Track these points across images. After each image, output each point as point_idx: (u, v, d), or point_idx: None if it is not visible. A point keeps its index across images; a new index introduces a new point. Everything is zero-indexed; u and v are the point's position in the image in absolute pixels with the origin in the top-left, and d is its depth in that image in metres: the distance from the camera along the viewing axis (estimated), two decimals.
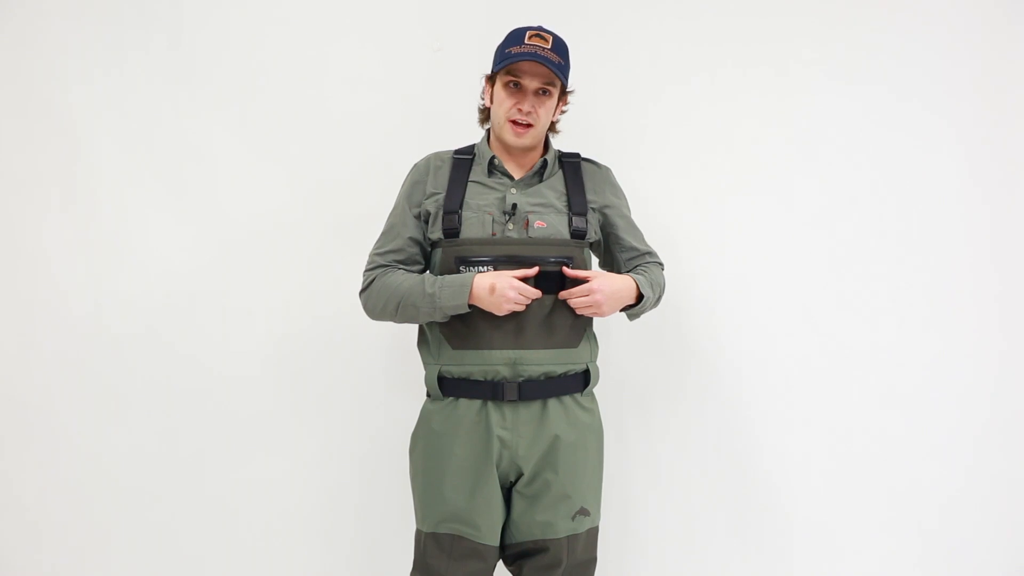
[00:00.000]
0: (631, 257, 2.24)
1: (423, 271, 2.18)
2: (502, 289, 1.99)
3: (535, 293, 2.03)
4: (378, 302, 2.13)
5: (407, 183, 2.21)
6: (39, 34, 2.76)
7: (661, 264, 2.29)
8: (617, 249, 2.24)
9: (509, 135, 2.10)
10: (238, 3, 2.76)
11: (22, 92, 2.78)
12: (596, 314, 2.09)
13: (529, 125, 2.09)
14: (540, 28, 2.12)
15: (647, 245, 2.28)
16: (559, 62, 2.07)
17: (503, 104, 2.09)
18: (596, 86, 2.70)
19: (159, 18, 2.76)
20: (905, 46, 2.73)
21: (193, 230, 2.76)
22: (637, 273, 2.19)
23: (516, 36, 2.09)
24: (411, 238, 2.15)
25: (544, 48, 2.05)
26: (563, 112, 2.19)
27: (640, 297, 2.13)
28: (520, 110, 2.07)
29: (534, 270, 2.04)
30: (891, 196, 2.74)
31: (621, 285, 2.09)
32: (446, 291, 2.03)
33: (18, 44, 2.77)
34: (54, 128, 2.77)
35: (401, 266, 2.14)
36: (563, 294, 2.06)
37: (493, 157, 2.14)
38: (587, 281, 2.05)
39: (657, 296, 2.22)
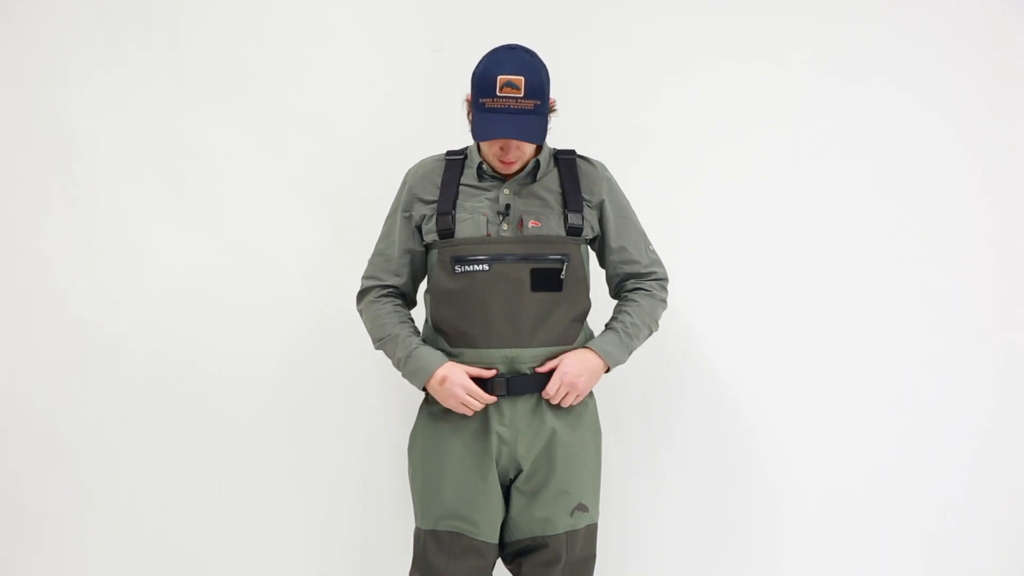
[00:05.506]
0: (621, 261, 2.22)
1: (414, 286, 2.24)
2: (450, 386, 2.04)
3: (487, 399, 2.05)
4: (366, 325, 2.22)
5: (400, 189, 2.23)
6: (39, 34, 2.77)
7: (662, 279, 2.26)
8: (607, 251, 2.22)
9: (498, 167, 2.11)
10: (237, 3, 2.77)
11: (22, 92, 2.78)
12: (580, 395, 2.10)
13: (515, 161, 2.09)
14: (512, 66, 1.99)
15: (646, 254, 2.24)
16: (534, 107, 2.00)
17: (486, 146, 2.09)
18: (593, 83, 2.70)
19: (159, 18, 2.76)
20: (906, 43, 2.72)
21: (192, 230, 2.77)
22: (619, 316, 2.19)
23: (488, 82, 1.98)
24: (402, 247, 2.18)
25: (517, 99, 1.98)
26: (552, 114, 2.14)
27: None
28: (503, 155, 2.07)
29: (491, 372, 2.06)
30: (892, 195, 2.73)
31: (592, 362, 2.10)
32: (410, 367, 2.11)
33: (18, 44, 2.77)
34: (54, 128, 2.77)
35: (393, 280, 2.19)
36: (545, 394, 2.08)
37: (481, 163, 2.14)
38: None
39: (647, 333, 2.22)
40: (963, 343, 2.72)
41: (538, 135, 2.01)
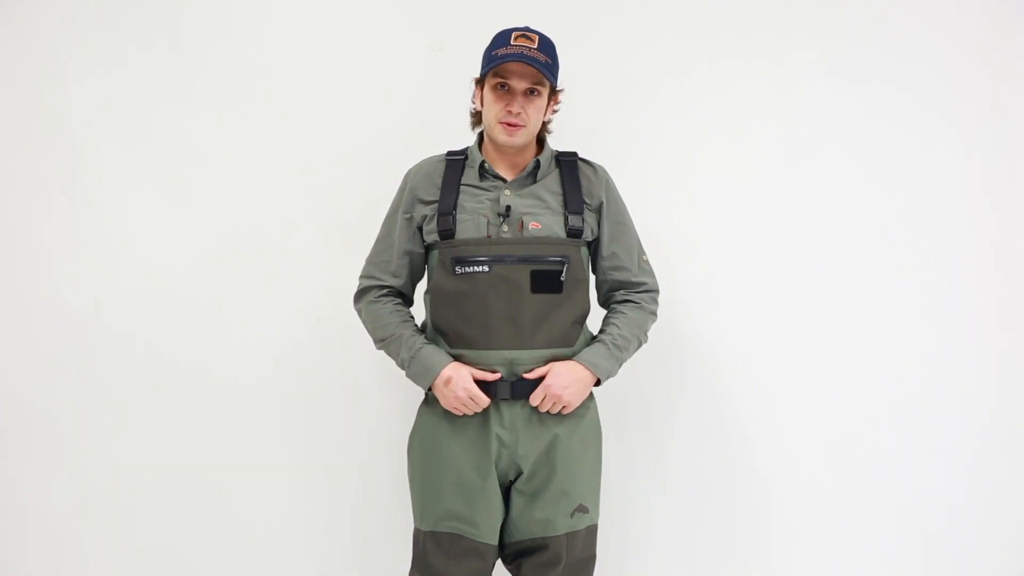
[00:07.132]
0: (612, 267, 2.21)
1: (412, 286, 2.24)
2: (454, 387, 2.04)
3: (484, 402, 2.05)
4: (367, 324, 2.22)
5: (400, 189, 2.23)
6: (39, 34, 2.76)
7: (653, 291, 2.25)
8: (598, 256, 2.21)
9: (500, 135, 2.09)
10: (237, 3, 2.76)
11: (22, 92, 2.78)
12: (568, 406, 2.08)
13: (519, 125, 2.08)
14: (527, 28, 2.11)
15: (638, 263, 2.23)
16: (546, 61, 2.06)
17: (492, 106, 2.08)
18: (591, 83, 2.69)
19: (159, 18, 2.76)
20: (906, 43, 2.72)
21: (192, 230, 2.76)
22: (607, 329, 2.17)
23: (502, 37, 2.09)
24: (402, 248, 2.18)
25: (530, 48, 2.04)
26: (555, 111, 2.18)
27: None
28: (509, 111, 2.06)
29: (495, 375, 2.06)
30: (893, 195, 2.73)
31: (581, 374, 2.09)
32: (415, 368, 2.10)
33: (18, 44, 2.77)
34: (54, 128, 2.77)
35: (392, 281, 2.19)
36: (532, 401, 2.07)
37: (483, 161, 2.14)
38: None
39: (636, 346, 2.20)
40: (963, 343, 2.72)
41: (549, 75, 2.06)
